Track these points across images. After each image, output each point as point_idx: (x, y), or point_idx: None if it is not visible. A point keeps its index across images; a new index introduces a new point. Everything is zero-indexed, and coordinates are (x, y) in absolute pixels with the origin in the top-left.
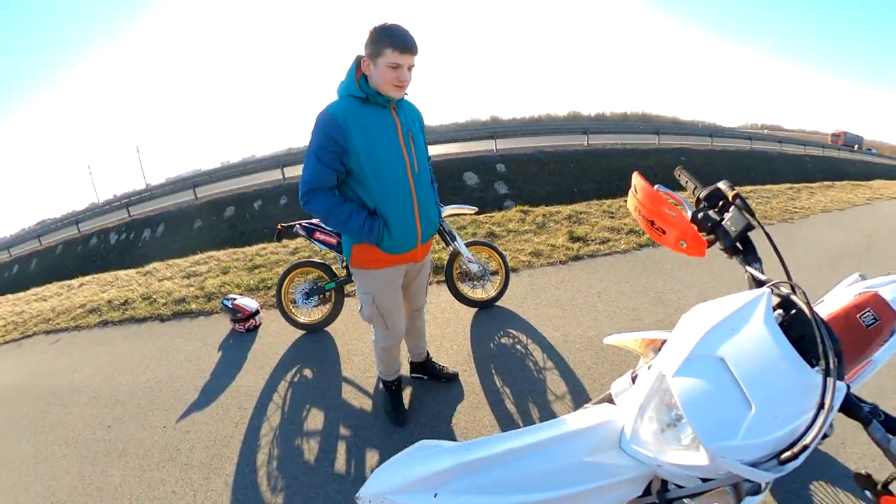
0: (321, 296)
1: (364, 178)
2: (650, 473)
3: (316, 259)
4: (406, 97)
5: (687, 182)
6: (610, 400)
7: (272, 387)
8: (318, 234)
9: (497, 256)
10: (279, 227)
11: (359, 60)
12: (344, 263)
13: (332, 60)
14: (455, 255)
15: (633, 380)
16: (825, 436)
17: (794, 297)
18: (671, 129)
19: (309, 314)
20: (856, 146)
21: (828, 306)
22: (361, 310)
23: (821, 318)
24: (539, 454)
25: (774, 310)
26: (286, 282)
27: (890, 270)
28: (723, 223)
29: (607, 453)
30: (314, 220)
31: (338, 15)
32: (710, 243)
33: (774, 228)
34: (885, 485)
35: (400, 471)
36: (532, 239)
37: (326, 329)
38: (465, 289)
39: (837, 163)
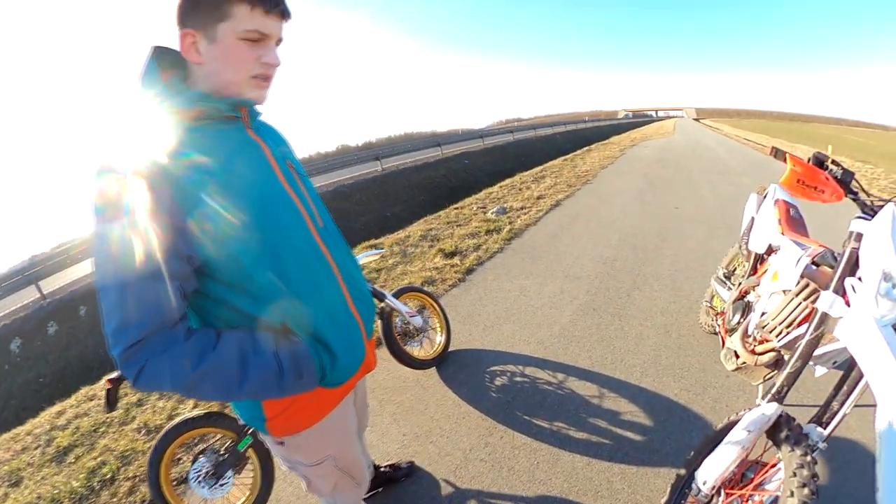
0: (236, 465)
1: (242, 272)
2: None
3: (197, 412)
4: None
5: (785, 156)
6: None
7: None
8: None
9: (422, 296)
10: (107, 382)
11: (162, 54)
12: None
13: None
14: (388, 314)
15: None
16: None
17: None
18: (449, 140)
19: (227, 501)
20: None
21: (767, 217)
22: (311, 486)
23: None
24: None
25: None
26: (163, 466)
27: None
28: (839, 178)
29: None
30: None
31: None
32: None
33: (588, 191)
34: None
35: None
36: (408, 269)
37: None
38: (414, 350)
39: (580, 132)
